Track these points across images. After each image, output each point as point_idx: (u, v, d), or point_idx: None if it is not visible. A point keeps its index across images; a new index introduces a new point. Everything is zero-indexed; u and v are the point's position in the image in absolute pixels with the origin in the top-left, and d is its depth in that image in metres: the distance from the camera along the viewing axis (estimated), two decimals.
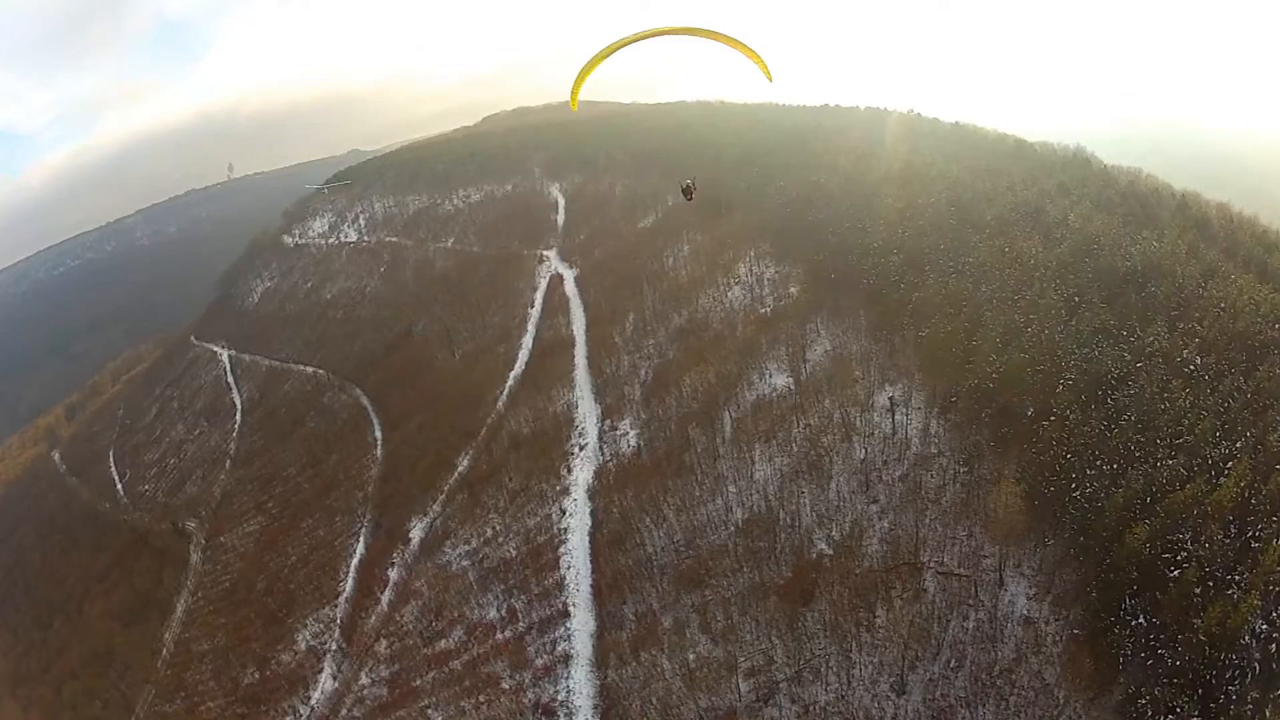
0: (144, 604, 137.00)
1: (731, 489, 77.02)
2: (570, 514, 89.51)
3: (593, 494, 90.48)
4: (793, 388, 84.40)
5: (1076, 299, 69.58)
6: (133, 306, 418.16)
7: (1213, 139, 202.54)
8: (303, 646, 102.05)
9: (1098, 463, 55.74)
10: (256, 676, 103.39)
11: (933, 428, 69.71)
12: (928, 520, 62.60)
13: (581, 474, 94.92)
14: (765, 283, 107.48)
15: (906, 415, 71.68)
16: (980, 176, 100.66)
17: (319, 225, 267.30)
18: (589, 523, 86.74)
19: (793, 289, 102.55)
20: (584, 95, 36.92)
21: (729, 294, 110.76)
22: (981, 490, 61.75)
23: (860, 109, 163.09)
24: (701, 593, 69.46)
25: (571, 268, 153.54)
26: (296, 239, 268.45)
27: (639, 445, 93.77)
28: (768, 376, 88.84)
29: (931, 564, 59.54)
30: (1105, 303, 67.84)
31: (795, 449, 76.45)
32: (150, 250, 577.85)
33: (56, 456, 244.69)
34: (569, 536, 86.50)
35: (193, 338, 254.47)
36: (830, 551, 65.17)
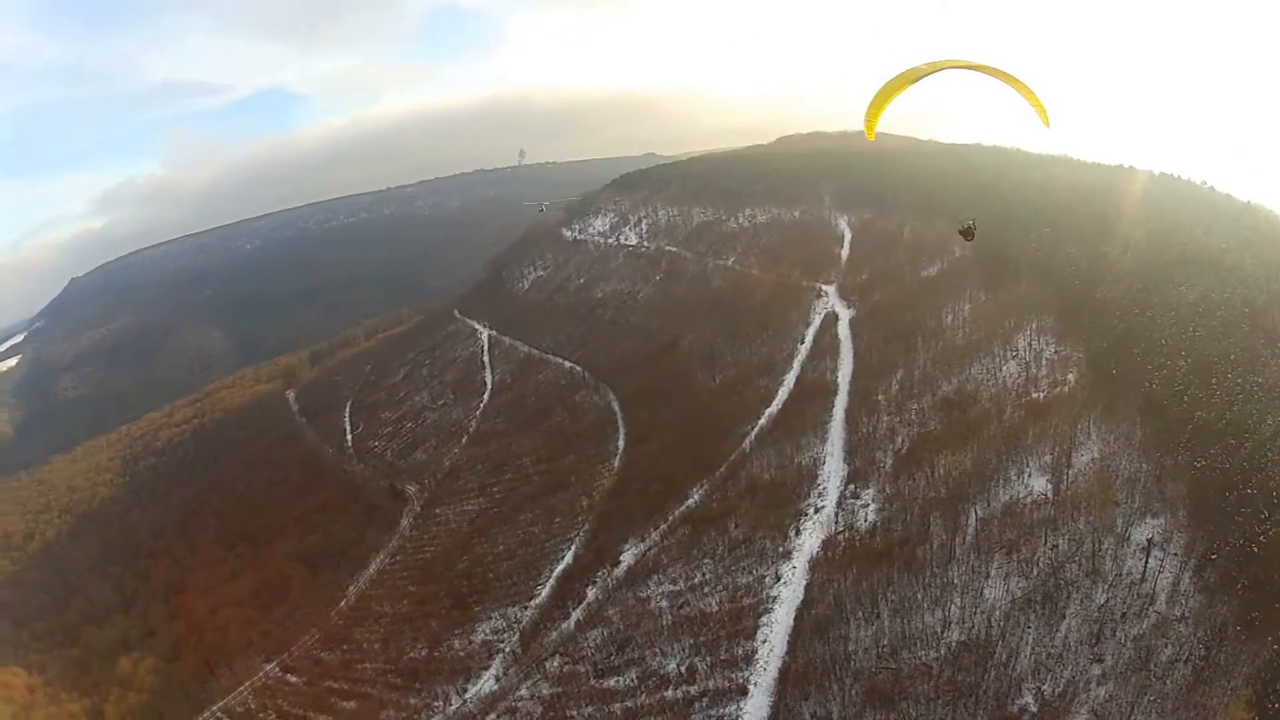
0: (338, 554, 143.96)
1: (956, 602, 69.20)
2: (785, 582, 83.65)
3: (815, 565, 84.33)
4: (1049, 496, 75.07)
5: None
6: (398, 270, 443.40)
7: None
8: (479, 639, 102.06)
9: None
10: (423, 653, 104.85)
11: (1184, 584, 59.76)
12: (1146, 701, 53.16)
13: (810, 539, 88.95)
14: (1043, 362, 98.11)
15: (1161, 561, 61.78)
16: (1275, 274, 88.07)
17: (600, 224, 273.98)
18: (801, 596, 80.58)
19: (1070, 375, 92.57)
20: (880, 127, 36.99)
21: (1003, 368, 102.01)
22: (1211, 681, 51.66)
23: (1154, 174, 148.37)
24: (888, 715, 62.29)
25: (849, 308, 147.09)
26: (576, 234, 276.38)
27: (876, 523, 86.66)
28: (1026, 476, 79.84)
29: None
30: None
31: (1036, 573, 67.70)
32: (428, 221, 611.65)
33: (291, 396, 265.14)
34: (776, 606, 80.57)
35: (456, 311, 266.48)
36: (1034, 709, 56.71)
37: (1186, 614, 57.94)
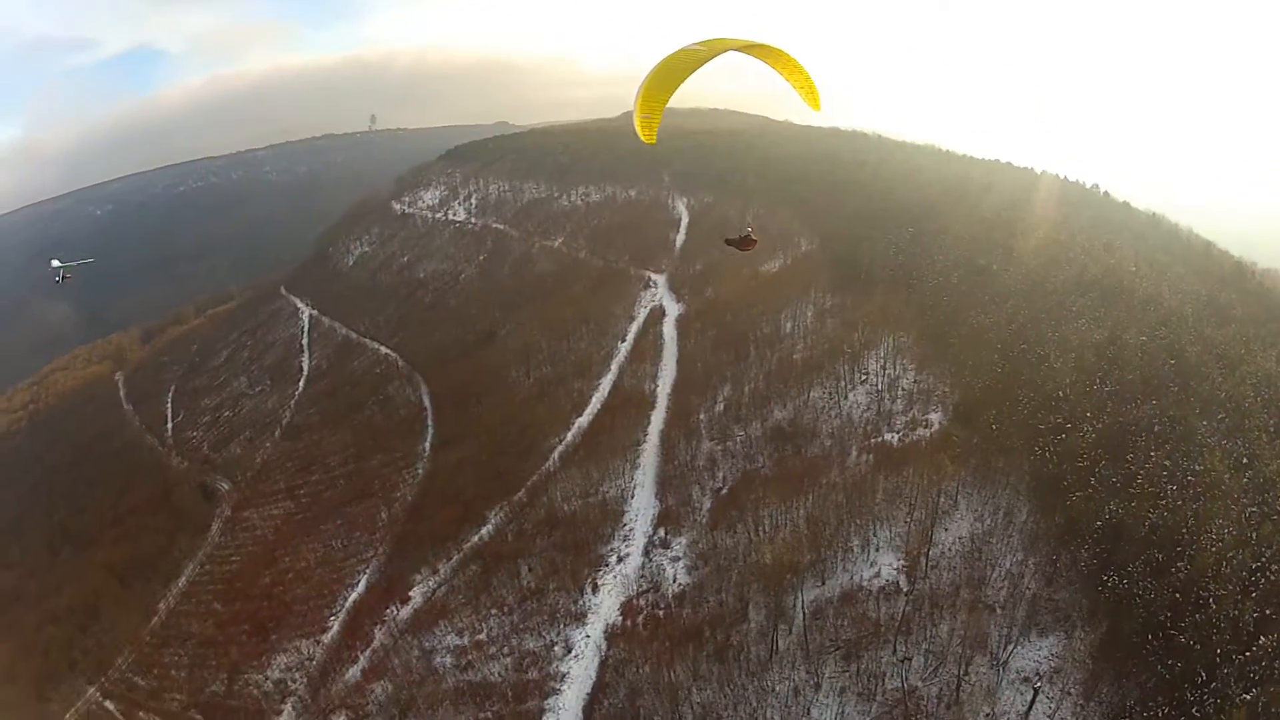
0: (151, 563, 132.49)
1: None
2: (576, 655, 68.66)
3: (611, 636, 68.41)
4: (903, 586, 58.12)
5: None
6: (244, 239, 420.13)
7: None
8: (274, 675, 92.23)
9: None
10: (221, 689, 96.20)
11: None
12: None
13: (607, 600, 73.50)
14: (899, 393, 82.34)
15: (1054, 707, 45.06)
16: (1201, 312, 73.49)
17: (429, 197, 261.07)
18: (592, 678, 65.22)
19: (933, 414, 76.76)
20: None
21: (850, 395, 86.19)
22: None
23: (1036, 172, 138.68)
24: None
25: (678, 302, 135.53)
26: (405, 207, 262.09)
27: (686, 587, 70.56)
28: (873, 550, 63.18)
29: None
30: None
31: (881, 695, 50.93)
32: (275, 187, 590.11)
33: (119, 379, 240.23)
34: (564, 688, 65.71)
35: (282, 288, 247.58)
36: None
37: None
